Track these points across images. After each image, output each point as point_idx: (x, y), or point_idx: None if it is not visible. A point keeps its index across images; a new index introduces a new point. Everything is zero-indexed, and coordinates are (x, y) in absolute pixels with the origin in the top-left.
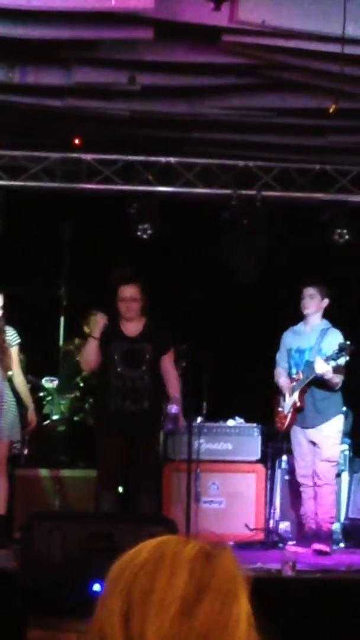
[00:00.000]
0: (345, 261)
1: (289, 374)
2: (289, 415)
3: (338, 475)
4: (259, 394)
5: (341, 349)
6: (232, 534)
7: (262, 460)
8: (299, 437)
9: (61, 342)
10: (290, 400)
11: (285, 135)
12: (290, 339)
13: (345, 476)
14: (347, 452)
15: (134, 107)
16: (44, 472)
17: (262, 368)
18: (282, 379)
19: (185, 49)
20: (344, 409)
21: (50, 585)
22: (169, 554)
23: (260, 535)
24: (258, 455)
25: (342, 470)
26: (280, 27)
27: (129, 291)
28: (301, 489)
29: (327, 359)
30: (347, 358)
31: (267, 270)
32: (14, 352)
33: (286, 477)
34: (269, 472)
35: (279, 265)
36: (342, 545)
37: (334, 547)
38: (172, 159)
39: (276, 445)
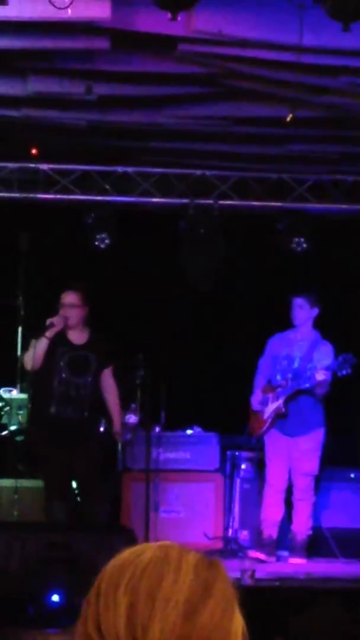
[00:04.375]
0: (303, 270)
1: (271, 381)
2: (269, 420)
3: None
4: (216, 403)
5: (345, 361)
6: (191, 543)
7: (221, 469)
8: (277, 441)
9: (19, 352)
10: (273, 405)
11: (242, 144)
12: (278, 346)
13: None
14: None
15: (91, 117)
16: (1, 482)
17: (220, 376)
18: (255, 396)
19: (141, 59)
20: None
21: (9, 595)
22: (174, 557)
23: (219, 544)
24: (216, 464)
25: None
26: (237, 36)
27: (68, 298)
28: (267, 491)
29: (328, 369)
30: (349, 371)
31: (225, 279)
32: None
33: (245, 486)
34: (228, 480)
35: (236, 275)
36: None
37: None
38: (129, 169)
39: (234, 453)
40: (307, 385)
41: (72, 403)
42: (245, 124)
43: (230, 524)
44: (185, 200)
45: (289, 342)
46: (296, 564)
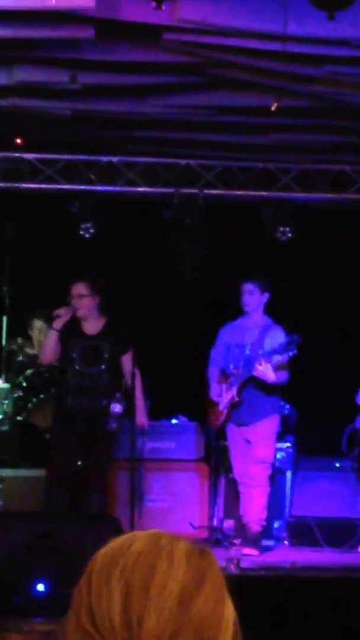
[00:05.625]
0: (288, 259)
1: (225, 370)
2: (225, 411)
3: (282, 473)
4: (201, 392)
5: (290, 342)
6: (176, 533)
7: (205, 458)
8: (234, 435)
9: (4, 342)
10: (227, 395)
11: (227, 134)
12: (229, 335)
13: (288, 474)
14: (290, 450)
15: (76, 106)
16: None
17: (205, 366)
18: (213, 388)
19: (126, 48)
20: (287, 407)
21: None
22: (165, 546)
23: (204, 534)
24: (201, 454)
25: (286, 469)
26: (221, 25)
27: (76, 288)
28: (239, 488)
29: (273, 353)
30: (295, 352)
31: (210, 268)
32: None
33: (230, 475)
34: (212, 470)
35: (221, 264)
36: (285, 542)
37: (278, 544)
38: (114, 158)
39: (219, 443)
40: (253, 374)
41: (88, 393)
42: (230, 113)
43: (215, 513)
44: (170, 190)
45: (240, 329)
46: (251, 553)
